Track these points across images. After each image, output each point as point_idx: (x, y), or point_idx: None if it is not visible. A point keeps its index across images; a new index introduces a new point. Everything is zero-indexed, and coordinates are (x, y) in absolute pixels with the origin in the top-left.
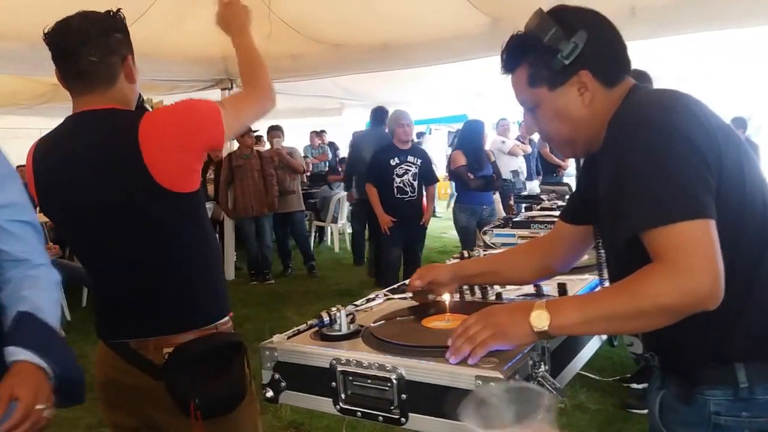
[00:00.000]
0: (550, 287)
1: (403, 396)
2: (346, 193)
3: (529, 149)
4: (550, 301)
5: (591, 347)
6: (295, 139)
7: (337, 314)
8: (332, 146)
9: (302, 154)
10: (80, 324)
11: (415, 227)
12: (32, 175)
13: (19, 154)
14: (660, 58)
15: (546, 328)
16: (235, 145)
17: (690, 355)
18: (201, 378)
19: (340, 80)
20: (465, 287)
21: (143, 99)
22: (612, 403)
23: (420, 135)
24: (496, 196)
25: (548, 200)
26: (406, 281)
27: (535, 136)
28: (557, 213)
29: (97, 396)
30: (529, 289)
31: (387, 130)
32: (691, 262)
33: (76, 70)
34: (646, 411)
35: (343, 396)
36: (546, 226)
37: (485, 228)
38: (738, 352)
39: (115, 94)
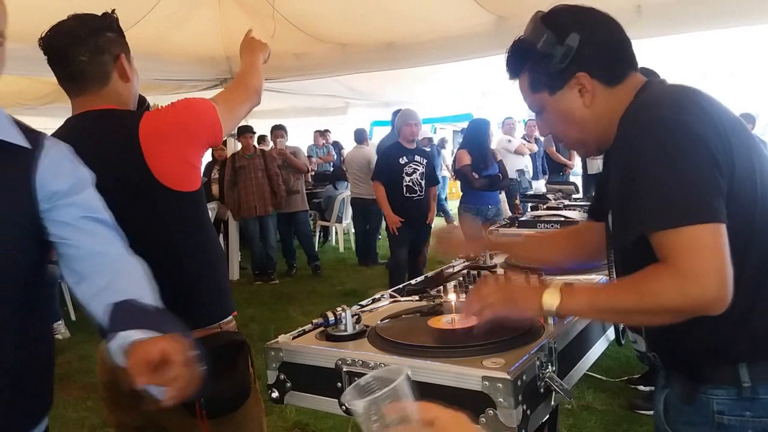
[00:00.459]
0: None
1: None
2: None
3: (535, 148)
4: (564, 285)
5: (598, 348)
6: (299, 139)
7: (343, 314)
8: (336, 145)
9: (306, 154)
10: (85, 324)
11: (422, 227)
12: None
13: None
14: (667, 57)
15: (554, 308)
16: (239, 145)
17: (694, 354)
18: (206, 377)
19: (344, 79)
20: (471, 287)
21: (149, 105)
22: (619, 404)
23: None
24: (502, 196)
25: (554, 199)
26: (412, 281)
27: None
28: (564, 212)
29: (101, 396)
30: None
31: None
32: (698, 267)
33: (68, 72)
34: (653, 412)
35: None
36: (552, 226)
37: (491, 227)
38: (742, 352)
39: (109, 93)
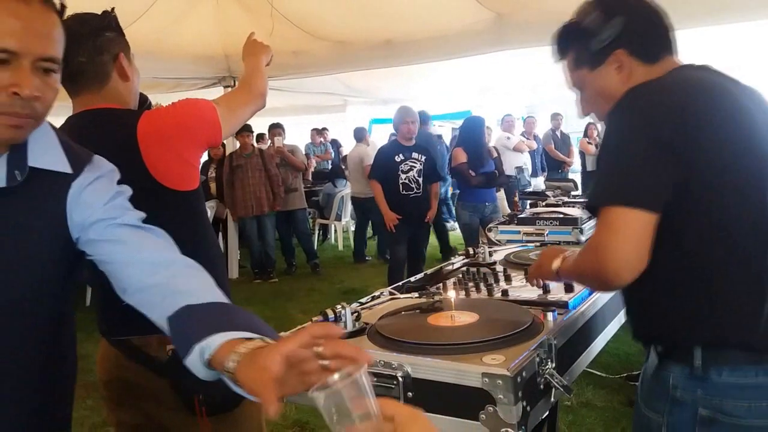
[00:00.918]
0: (556, 285)
1: (409, 394)
2: None
3: (534, 145)
4: (566, 254)
5: (598, 344)
6: (297, 137)
7: (342, 312)
8: (335, 143)
9: (303, 152)
10: (84, 323)
11: (420, 224)
12: None
13: None
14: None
15: (555, 269)
16: (237, 144)
17: (661, 332)
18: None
19: (342, 77)
20: (470, 284)
21: (150, 103)
22: (618, 400)
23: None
24: (501, 193)
25: (553, 197)
26: (411, 279)
27: (540, 132)
28: (563, 209)
29: (101, 394)
30: (536, 288)
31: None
32: (609, 242)
33: (67, 73)
34: None
35: None
36: (551, 223)
37: (490, 225)
38: (699, 338)
39: (109, 92)
